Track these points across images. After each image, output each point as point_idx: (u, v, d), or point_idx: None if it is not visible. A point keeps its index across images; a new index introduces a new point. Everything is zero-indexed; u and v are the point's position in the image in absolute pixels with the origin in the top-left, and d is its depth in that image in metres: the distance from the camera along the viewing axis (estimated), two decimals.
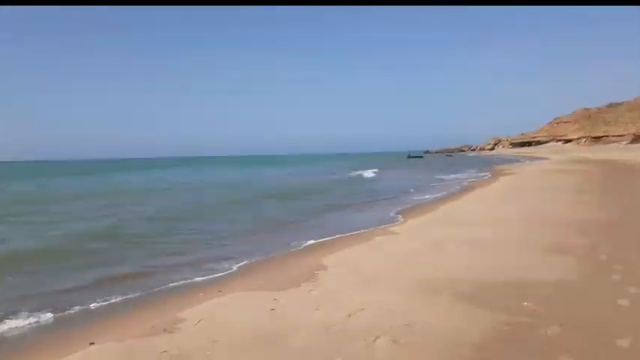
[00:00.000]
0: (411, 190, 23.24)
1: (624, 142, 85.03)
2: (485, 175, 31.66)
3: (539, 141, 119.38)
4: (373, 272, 6.82)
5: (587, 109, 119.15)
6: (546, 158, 60.09)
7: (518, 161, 58.52)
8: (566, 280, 6.25)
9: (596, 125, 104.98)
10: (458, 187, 22.99)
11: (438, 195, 19.83)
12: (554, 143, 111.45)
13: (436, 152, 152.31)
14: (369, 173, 41.60)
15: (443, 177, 33.53)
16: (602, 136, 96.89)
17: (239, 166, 78.56)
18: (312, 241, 10.33)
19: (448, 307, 5.32)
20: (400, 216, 13.49)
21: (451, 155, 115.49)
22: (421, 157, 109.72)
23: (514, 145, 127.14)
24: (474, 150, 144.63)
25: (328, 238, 10.63)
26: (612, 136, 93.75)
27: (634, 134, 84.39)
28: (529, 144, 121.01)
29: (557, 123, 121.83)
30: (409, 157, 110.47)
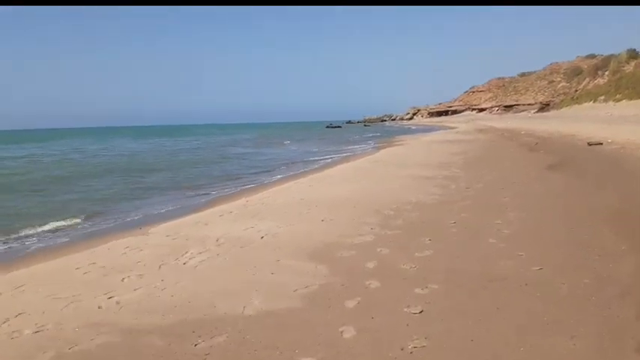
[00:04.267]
0: (279, 167, 21.18)
1: (533, 111, 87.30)
2: (374, 146, 30.25)
3: (455, 110, 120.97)
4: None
5: (501, 78, 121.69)
6: (454, 127, 60.12)
7: (425, 131, 58.22)
8: (275, 313, 4.31)
9: (508, 94, 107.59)
10: (327, 161, 21.30)
11: (294, 172, 17.94)
12: (469, 112, 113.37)
13: (358, 122, 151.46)
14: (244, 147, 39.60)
15: (334, 148, 31.93)
16: (513, 105, 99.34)
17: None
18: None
19: None
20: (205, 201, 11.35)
21: (369, 125, 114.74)
22: (339, 127, 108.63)
23: (432, 114, 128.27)
24: (393, 120, 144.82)
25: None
26: (522, 104, 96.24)
27: (541, 103, 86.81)
28: (446, 113, 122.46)
29: (473, 92, 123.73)
30: (327, 127, 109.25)
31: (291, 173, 18.13)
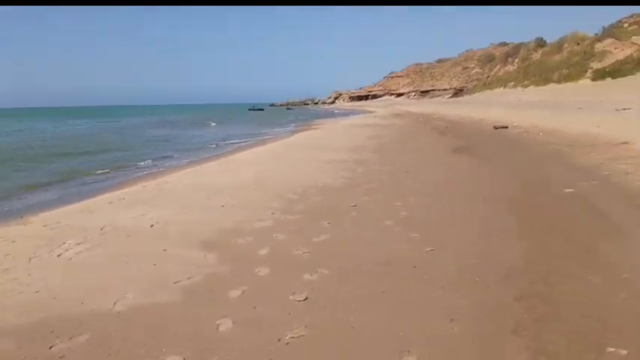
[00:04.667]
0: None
1: (447, 96, 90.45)
2: (292, 130, 30.09)
3: (375, 95, 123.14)
4: None
5: (418, 64, 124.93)
6: (373, 112, 61.12)
7: (345, 114, 58.86)
8: (149, 308, 4.00)
9: (425, 80, 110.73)
10: (242, 144, 20.85)
11: (208, 155, 17.39)
12: (389, 97, 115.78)
13: (281, 105, 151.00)
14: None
15: (254, 130, 31.44)
16: (429, 90, 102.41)
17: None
18: None
19: None
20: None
21: (292, 109, 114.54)
22: (262, 110, 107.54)
23: (353, 98, 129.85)
24: (316, 103, 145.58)
25: None
26: (438, 90, 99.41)
27: (455, 88, 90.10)
28: (366, 97, 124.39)
29: (392, 77, 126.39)
30: (250, 109, 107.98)
31: (204, 156, 17.52)
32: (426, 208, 7.35)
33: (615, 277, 4.47)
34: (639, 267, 4.67)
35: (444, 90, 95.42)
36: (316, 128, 29.16)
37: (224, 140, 25.17)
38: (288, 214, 7.09)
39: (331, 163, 12.24)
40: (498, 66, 77.45)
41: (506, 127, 21.04)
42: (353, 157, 13.54)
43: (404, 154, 14.22)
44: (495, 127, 21.48)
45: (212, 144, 23.31)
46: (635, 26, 48.88)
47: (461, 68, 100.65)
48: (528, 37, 78.79)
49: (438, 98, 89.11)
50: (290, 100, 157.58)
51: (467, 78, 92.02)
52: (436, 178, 10.02)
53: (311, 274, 4.67)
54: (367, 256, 5.18)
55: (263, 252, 5.38)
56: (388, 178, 10.04)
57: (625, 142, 12.69)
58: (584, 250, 5.24)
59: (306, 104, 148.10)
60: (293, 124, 39.88)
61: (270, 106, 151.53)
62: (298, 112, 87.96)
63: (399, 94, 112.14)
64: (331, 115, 62.15)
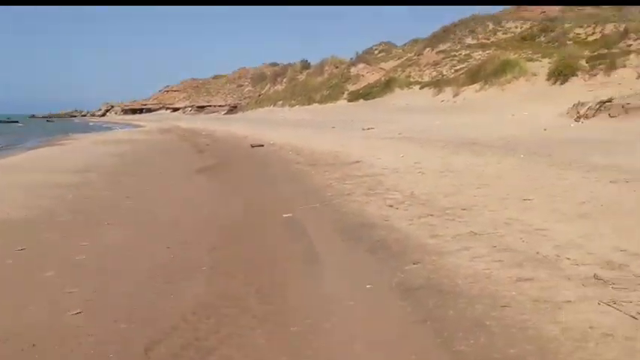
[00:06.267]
0: None
1: (223, 112, 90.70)
2: (29, 146, 25.96)
3: (150, 108, 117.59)
4: None
5: (195, 79, 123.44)
6: (143, 126, 57.69)
7: (109, 128, 54.49)
8: None
9: (201, 95, 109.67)
10: None
11: None
12: (164, 111, 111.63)
13: (43, 117, 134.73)
14: None
15: None
16: (205, 106, 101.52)
17: None
18: None
19: None
20: None
21: (52, 121, 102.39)
22: (16, 122, 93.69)
23: (126, 111, 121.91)
24: (84, 116, 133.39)
25: None
26: (214, 105, 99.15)
27: (230, 105, 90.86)
28: (140, 111, 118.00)
29: (167, 91, 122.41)
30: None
31: None
32: (117, 248, 6.11)
33: (283, 332, 3.82)
34: (312, 314, 4.09)
35: (220, 106, 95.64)
36: (62, 144, 25.55)
37: None
38: None
39: (37, 189, 10.15)
40: (269, 85, 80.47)
41: (262, 146, 20.92)
42: (74, 180, 11.55)
43: (140, 176, 12.76)
44: (252, 146, 21.21)
45: None
46: (384, 53, 55.31)
47: (235, 85, 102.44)
48: (295, 59, 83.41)
49: (214, 114, 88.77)
50: (54, 112, 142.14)
51: (240, 95, 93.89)
52: (157, 206, 8.89)
53: None
54: None
55: None
56: (96, 207, 8.55)
57: (358, 161, 13.21)
58: (267, 293, 4.57)
59: (72, 116, 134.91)
60: (39, 139, 34.81)
61: (31, 117, 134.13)
62: (59, 124, 78.62)
63: (175, 109, 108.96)
64: (95, 128, 56.85)
